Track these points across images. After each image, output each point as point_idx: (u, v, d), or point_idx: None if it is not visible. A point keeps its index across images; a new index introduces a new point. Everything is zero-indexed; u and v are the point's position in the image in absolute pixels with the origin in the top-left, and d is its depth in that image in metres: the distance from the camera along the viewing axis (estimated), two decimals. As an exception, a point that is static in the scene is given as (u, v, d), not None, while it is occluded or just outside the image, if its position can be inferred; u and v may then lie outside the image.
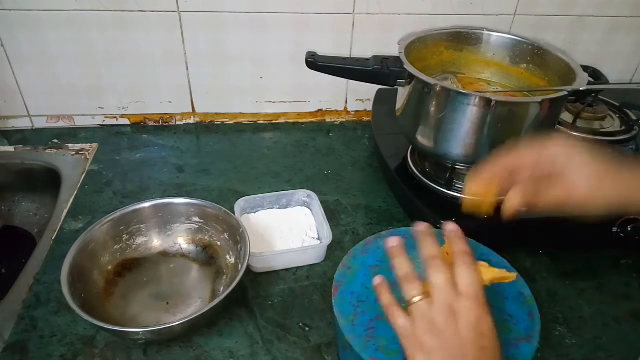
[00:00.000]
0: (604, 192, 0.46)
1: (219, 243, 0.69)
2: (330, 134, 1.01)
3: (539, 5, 0.96)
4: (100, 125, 0.98)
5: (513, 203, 0.49)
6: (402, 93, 0.73)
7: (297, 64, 0.94)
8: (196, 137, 0.98)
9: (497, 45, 0.79)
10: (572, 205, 0.47)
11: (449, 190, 0.74)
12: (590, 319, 0.64)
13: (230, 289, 0.56)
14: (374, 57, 0.71)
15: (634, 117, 0.95)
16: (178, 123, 1.00)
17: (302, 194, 0.77)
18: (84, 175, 0.85)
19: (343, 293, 0.54)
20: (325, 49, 0.80)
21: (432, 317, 0.41)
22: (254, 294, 0.65)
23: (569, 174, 0.47)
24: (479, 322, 0.41)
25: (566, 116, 0.93)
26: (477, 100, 0.63)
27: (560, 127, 0.91)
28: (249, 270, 0.66)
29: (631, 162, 0.48)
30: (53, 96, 0.93)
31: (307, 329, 0.61)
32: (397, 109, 0.76)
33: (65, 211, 0.77)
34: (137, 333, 0.56)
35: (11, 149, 0.91)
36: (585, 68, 0.70)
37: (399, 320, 0.42)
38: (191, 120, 1.00)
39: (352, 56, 0.95)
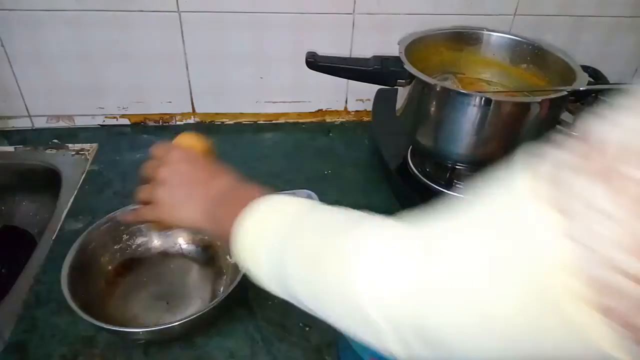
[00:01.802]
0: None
1: (219, 243, 0.69)
2: (331, 134, 1.01)
3: (539, 5, 0.96)
4: (100, 125, 0.98)
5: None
6: (402, 93, 0.73)
7: (297, 64, 0.94)
8: (196, 137, 0.97)
9: (497, 45, 0.79)
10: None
11: (449, 190, 0.74)
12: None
13: (231, 289, 0.56)
14: (374, 57, 0.71)
15: (634, 117, 0.95)
16: (178, 123, 1.00)
17: (302, 194, 0.77)
18: (84, 175, 0.85)
19: (343, 293, 0.54)
20: (325, 49, 0.80)
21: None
22: (254, 294, 0.65)
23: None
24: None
25: (566, 116, 0.93)
26: (477, 100, 0.63)
27: (560, 127, 0.91)
28: (249, 270, 0.66)
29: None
30: (53, 96, 0.93)
31: (307, 329, 0.61)
32: (397, 109, 0.76)
33: (65, 211, 0.77)
34: (137, 333, 0.56)
35: (11, 149, 0.91)
36: (585, 68, 0.70)
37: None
38: (191, 120, 1.00)
39: (352, 56, 0.95)
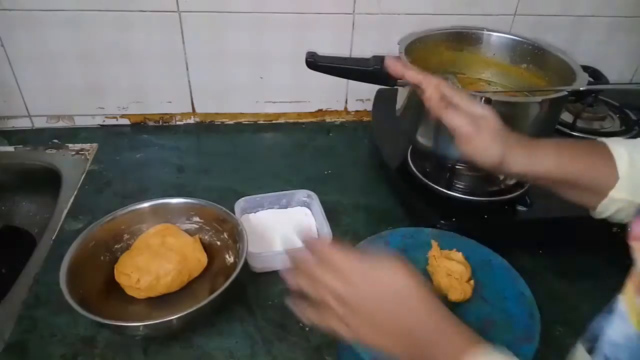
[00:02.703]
0: (511, 162, 0.52)
1: (218, 243, 0.69)
2: (331, 134, 1.01)
3: (539, 5, 0.96)
4: (100, 125, 0.98)
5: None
6: (402, 93, 0.73)
7: (297, 64, 0.94)
8: (196, 137, 0.98)
9: (497, 45, 0.79)
10: (477, 163, 0.54)
11: (449, 190, 0.74)
12: (590, 319, 0.64)
13: (227, 283, 0.56)
14: (374, 57, 0.71)
15: (634, 117, 0.95)
16: (178, 123, 1.00)
17: (302, 194, 0.77)
18: (84, 175, 0.85)
19: (343, 293, 0.54)
20: (325, 49, 0.79)
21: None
22: (253, 294, 0.65)
23: (481, 137, 0.53)
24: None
25: (566, 116, 0.93)
26: (477, 100, 0.63)
27: (560, 127, 0.91)
28: (249, 270, 0.66)
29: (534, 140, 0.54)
30: (53, 96, 0.93)
31: (307, 329, 0.61)
32: (397, 109, 0.76)
33: (65, 211, 0.77)
34: (136, 328, 0.56)
35: (11, 149, 0.91)
36: (585, 68, 0.70)
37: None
38: (191, 120, 1.00)
39: (352, 56, 0.95)
